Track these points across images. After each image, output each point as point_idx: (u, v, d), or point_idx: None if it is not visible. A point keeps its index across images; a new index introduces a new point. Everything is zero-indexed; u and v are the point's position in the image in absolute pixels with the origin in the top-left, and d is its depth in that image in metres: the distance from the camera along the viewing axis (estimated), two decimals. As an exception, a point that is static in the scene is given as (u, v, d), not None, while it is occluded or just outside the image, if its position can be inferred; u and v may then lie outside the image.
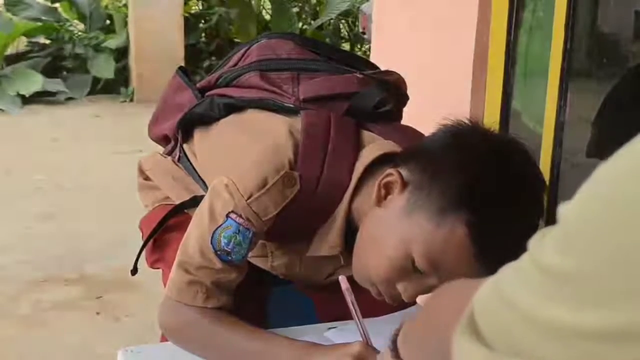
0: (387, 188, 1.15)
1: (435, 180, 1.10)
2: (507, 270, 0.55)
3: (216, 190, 1.21)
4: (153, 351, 1.26)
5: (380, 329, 1.30)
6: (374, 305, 1.38)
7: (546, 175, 1.68)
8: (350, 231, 1.22)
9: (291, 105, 1.29)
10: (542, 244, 0.51)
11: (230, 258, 1.19)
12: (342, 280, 1.11)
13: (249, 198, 1.17)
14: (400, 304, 1.43)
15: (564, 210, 0.50)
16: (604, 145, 1.66)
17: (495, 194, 1.07)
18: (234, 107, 1.35)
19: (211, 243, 1.18)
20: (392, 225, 1.13)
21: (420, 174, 1.12)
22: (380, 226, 1.16)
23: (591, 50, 1.77)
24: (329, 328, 1.29)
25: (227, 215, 1.18)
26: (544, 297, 0.48)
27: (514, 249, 1.13)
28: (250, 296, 1.30)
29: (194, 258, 1.20)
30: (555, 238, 0.50)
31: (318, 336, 1.25)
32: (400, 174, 1.13)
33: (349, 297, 1.10)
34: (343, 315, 1.39)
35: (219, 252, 1.19)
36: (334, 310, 1.41)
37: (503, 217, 1.06)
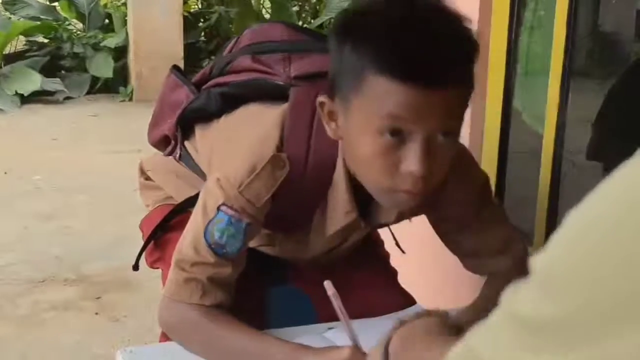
0: (330, 116, 1.14)
1: (340, 75, 1.09)
2: (480, 333, 0.54)
3: (208, 188, 1.22)
4: (152, 352, 1.26)
5: (378, 329, 1.30)
6: (371, 305, 1.38)
7: (547, 175, 1.68)
8: (357, 192, 1.21)
9: (281, 83, 1.29)
10: (517, 296, 0.51)
11: (224, 251, 1.20)
12: (328, 286, 1.10)
13: (239, 186, 1.18)
14: (400, 300, 1.43)
15: (537, 260, 0.51)
16: (604, 148, 1.66)
17: (375, 27, 1.05)
18: (229, 95, 1.34)
19: (205, 237, 1.19)
20: (350, 137, 1.12)
21: (334, 84, 1.11)
22: (347, 150, 1.15)
23: (592, 49, 1.76)
24: (329, 328, 1.29)
25: (218, 209, 1.19)
26: (527, 350, 0.48)
27: (446, 55, 1.11)
28: (249, 296, 1.30)
29: (188, 255, 1.21)
30: (531, 288, 0.50)
31: (318, 336, 1.25)
32: (324, 95, 1.13)
33: (336, 302, 1.09)
34: (343, 315, 1.38)
35: (213, 246, 1.19)
36: (334, 311, 1.40)
37: (397, 34, 1.03)
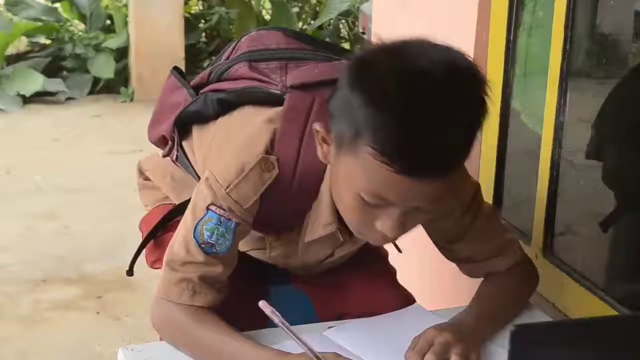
0: (324, 140, 1.15)
1: (340, 116, 1.09)
2: None
3: (199, 188, 1.23)
4: (153, 350, 1.27)
5: (376, 328, 1.31)
6: (371, 303, 1.38)
7: (546, 175, 1.68)
8: None
9: (278, 92, 1.29)
10: None
11: (214, 250, 1.20)
12: (264, 306, 1.10)
13: (227, 187, 1.19)
14: (399, 299, 1.43)
15: None
16: (604, 147, 1.66)
17: (383, 100, 1.02)
18: (226, 101, 1.35)
19: (194, 237, 1.20)
20: (336, 174, 1.14)
21: (333, 117, 1.12)
22: (332, 180, 1.17)
23: (591, 50, 1.77)
24: (329, 327, 1.29)
25: (207, 208, 1.20)
26: None
27: (446, 146, 1.10)
28: (249, 296, 1.31)
29: (178, 255, 1.21)
30: None
31: (318, 336, 1.25)
32: (323, 125, 1.13)
33: (277, 319, 1.10)
34: (342, 315, 1.39)
35: (202, 245, 1.20)
36: (334, 310, 1.41)
37: (401, 120, 1.01)
